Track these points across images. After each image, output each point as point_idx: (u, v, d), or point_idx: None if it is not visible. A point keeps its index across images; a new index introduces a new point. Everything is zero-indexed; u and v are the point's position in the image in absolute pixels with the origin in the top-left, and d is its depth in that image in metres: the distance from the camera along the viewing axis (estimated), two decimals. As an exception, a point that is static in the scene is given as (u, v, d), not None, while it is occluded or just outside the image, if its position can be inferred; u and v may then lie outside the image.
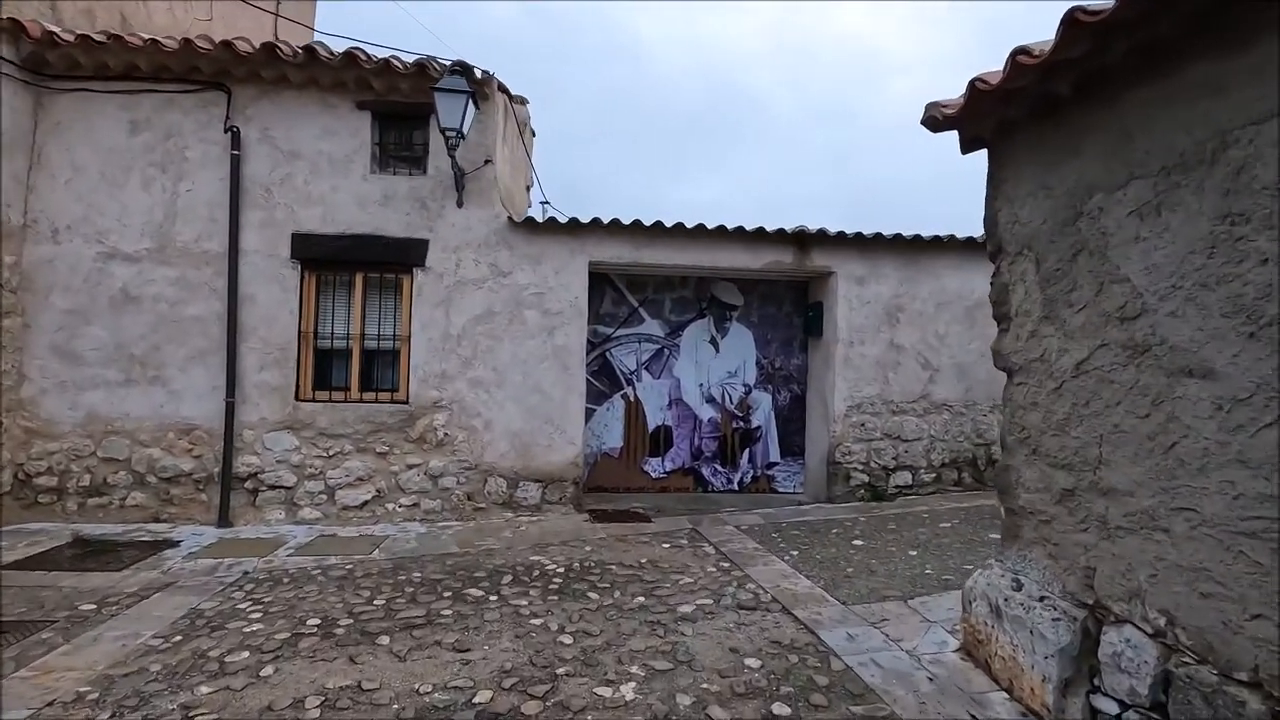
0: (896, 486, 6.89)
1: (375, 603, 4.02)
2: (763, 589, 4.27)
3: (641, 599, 4.10)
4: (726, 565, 4.79)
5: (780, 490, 7.41)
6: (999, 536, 5.20)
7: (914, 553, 4.95)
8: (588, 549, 5.21)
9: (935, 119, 3.09)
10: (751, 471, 7.41)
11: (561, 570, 4.67)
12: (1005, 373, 3.21)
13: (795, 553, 5.06)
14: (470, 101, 5.59)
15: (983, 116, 3.01)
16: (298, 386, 6.06)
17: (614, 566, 4.76)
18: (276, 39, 9.00)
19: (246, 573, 4.59)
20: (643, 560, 4.91)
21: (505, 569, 4.69)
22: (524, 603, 4.03)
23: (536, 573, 4.62)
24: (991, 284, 3.28)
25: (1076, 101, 2.65)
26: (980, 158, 3.36)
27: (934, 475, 6.97)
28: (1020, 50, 2.50)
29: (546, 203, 11.86)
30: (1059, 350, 2.85)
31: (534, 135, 12.69)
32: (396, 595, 4.15)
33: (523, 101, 10.86)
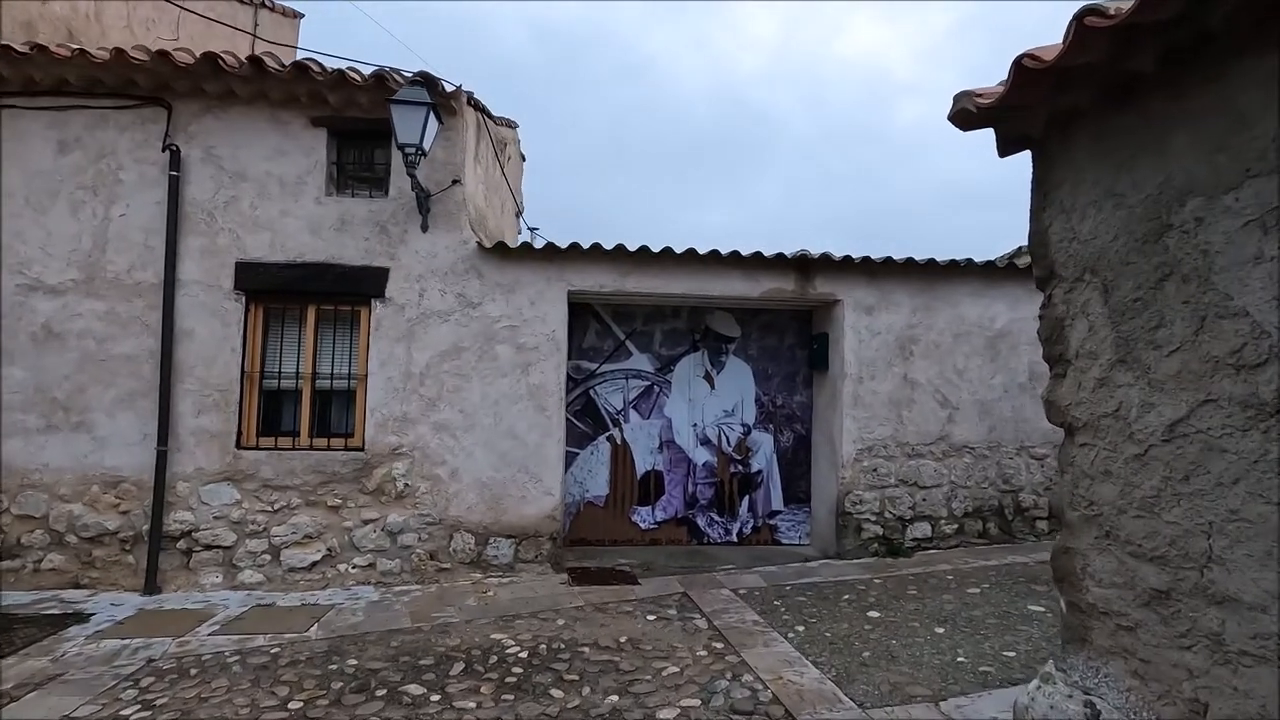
0: (914, 539, 6.15)
1: (291, 706, 3.31)
2: (762, 682, 3.54)
3: (615, 699, 3.38)
4: (720, 646, 4.06)
5: (784, 542, 6.67)
6: (1041, 609, 4.50)
7: (941, 630, 4.22)
8: (560, 623, 4.49)
9: (967, 112, 2.46)
10: (752, 521, 6.69)
11: (525, 654, 3.95)
12: (1063, 429, 2.54)
13: (801, 629, 4.33)
14: (431, 114, 5.01)
15: (1030, 107, 2.38)
16: (240, 432, 5.40)
17: (587, 649, 4.03)
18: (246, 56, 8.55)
19: (152, 660, 3.88)
20: (622, 639, 4.18)
21: (458, 653, 3.97)
22: (471, 704, 3.31)
23: (494, 658, 3.90)
24: (1040, 318, 2.62)
25: (1163, 81, 2.02)
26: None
27: (956, 526, 6.23)
28: (1089, 10, 1.87)
29: (535, 229, 11.32)
30: (1141, 404, 2.17)
31: (524, 159, 12.22)
32: (319, 694, 3.43)
33: (510, 124, 10.39)
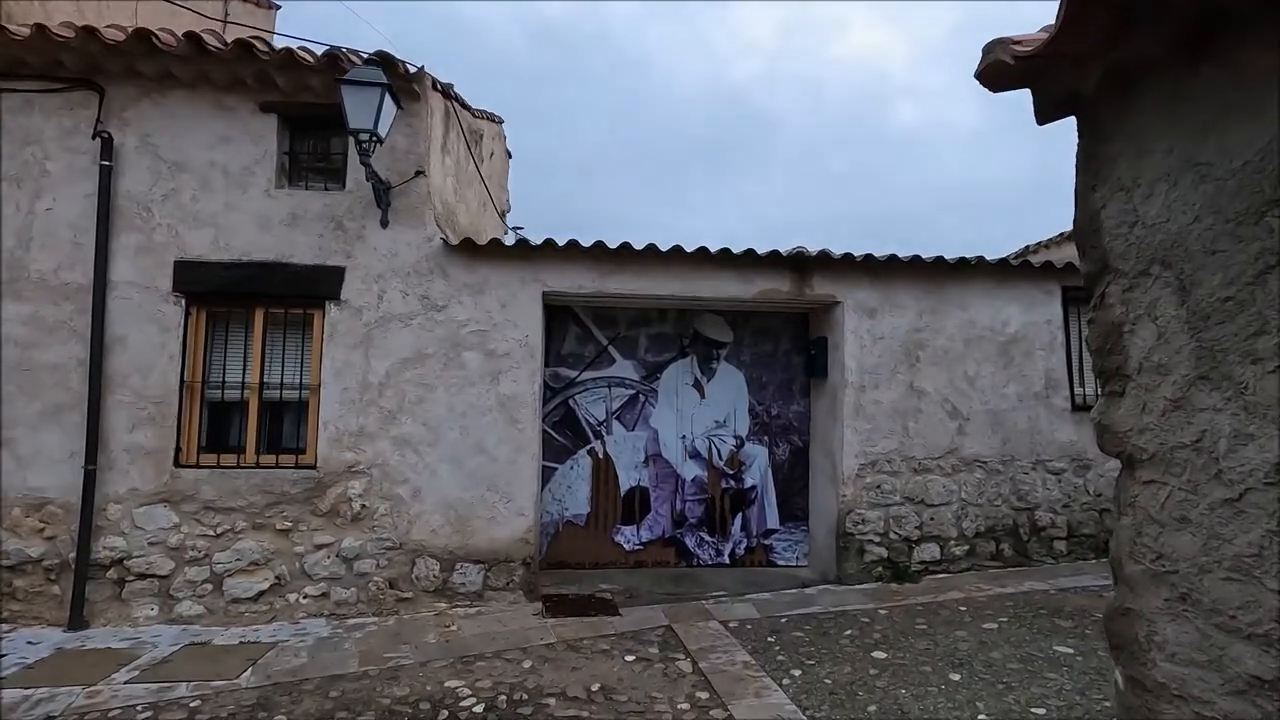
0: (921, 562, 5.65)
1: (195, 780, 2.81)
2: (752, 746, 3.04)
3: (578, 769, 2.88)
4: (704, 697, 3.56)
5: (779, 564, 6.17)
6: (1069, 651, 3.88)
7: (957, 676, 3.71)
8: (526, 665, 3.98)
9: (1002, 65, 1.97)
10: (745, 541, 6.18)
11: (480, 708, 3.45)
12: (1121, 461, 2.04)
13: (797, 673, 3.83)
14: (387, 96, 4.52)
15: (1083, 58, 1.89)
16: (179, 449, 4.89)
17: (553, 700, 3.53)
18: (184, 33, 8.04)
19: (51, 717, 3.38)
20: (594, 687, 3.68)
21: (405, 706, 3.47)
22: (409, 778, 2.81)
23: (445, 713, 3.39)
24: (1091, 321, 2.12)
25: (1263, 22, 1.53)
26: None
27: (967, 548, 5.73)
28: (1180, -93, 1.39)
29: (519, 229, 10.83)
30: (1234, 435, 1.68)
31: (510, 157, 11.74)
32: (232, 764, 2.94)
33: (492, 118, 9.88)
